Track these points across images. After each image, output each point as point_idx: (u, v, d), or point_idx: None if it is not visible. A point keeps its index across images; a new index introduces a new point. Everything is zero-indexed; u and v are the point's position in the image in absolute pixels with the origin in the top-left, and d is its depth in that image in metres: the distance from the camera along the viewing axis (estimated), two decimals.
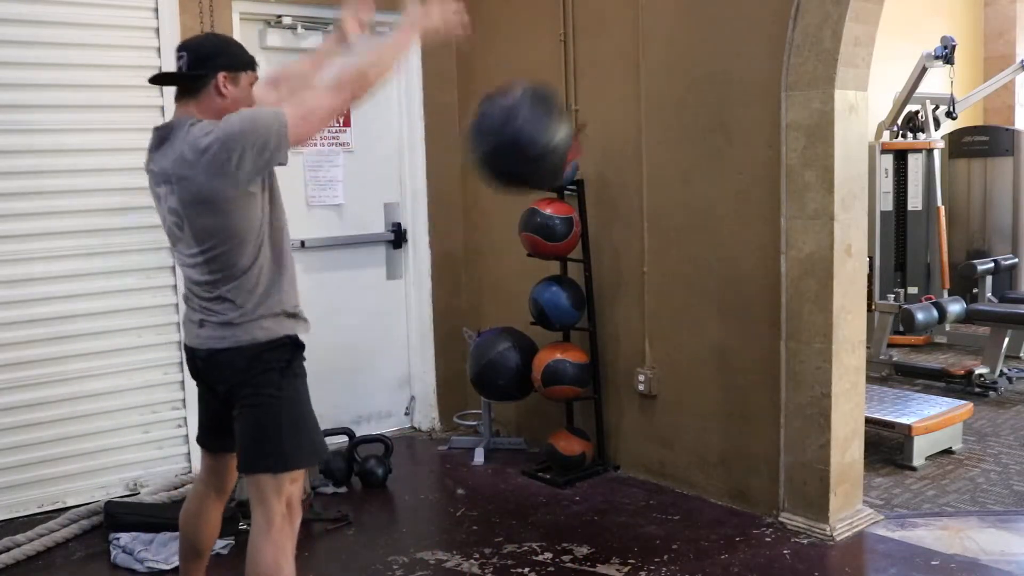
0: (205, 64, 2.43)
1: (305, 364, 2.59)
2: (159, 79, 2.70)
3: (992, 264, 6.79)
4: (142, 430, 4.20)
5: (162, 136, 2.46)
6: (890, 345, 6.32)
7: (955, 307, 5.95)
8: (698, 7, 3.86)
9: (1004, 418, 5.17)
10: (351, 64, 2.47)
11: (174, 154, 2.38)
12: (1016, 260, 7.19)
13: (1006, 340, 5.73)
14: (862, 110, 3.53)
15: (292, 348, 2.52)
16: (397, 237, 5.09)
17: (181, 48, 2.49)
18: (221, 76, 2.43)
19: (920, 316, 5.78)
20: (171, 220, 2.47)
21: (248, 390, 2.47)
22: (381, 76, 2.51)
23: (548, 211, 4.16)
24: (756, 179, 3.69)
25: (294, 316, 2.54)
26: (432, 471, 4.59)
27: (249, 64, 2.53)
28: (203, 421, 2.73)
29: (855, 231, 3.54)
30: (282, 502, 2.47)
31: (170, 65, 4.02)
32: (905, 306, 5.98)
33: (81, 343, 4.05)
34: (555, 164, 3.22)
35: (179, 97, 2.50)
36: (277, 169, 2.48)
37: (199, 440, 2.76)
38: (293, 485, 2.50)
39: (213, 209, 2.36)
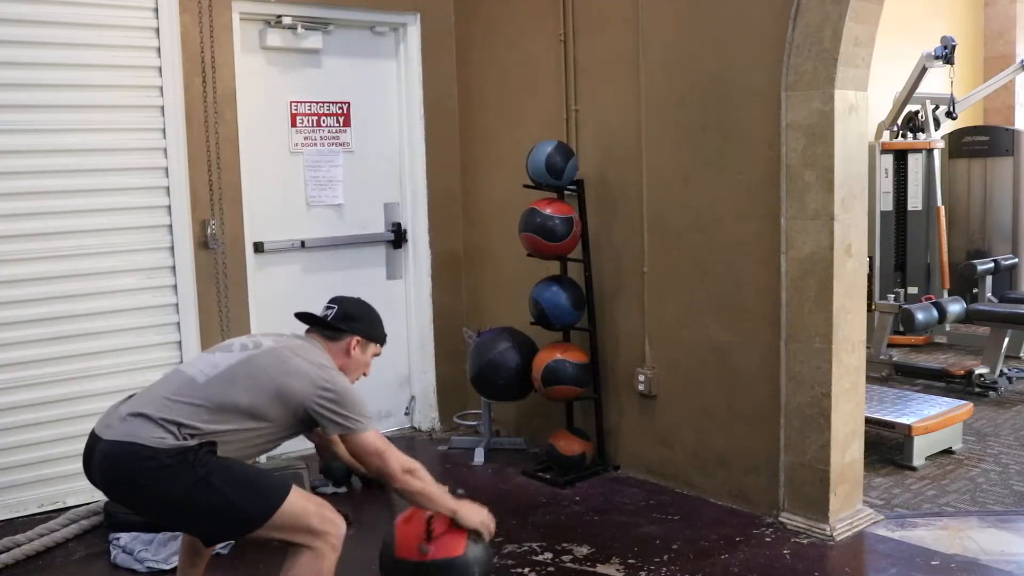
0: (348, 323, 2.76)
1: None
2: (304, 317, 2.82)
3: (992, 264, 6.79)
4: None
5: (290, 336, 2.73)
6: (890, 345, 6.32)
7: (955, 307, 5.95)
8: (698, 7, 3.86)
9: (1004, 418, 5.17)
10: (429, 491, 2.67)
11: (291, 342, 2.64)
12: (1016, 260, 7.19)
13: (1006, 340, 5.74)
14: (862, 110, 3.53)
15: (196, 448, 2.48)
16: (397, 237, 5.09)
17: (334, 301, 2.81)
18: (356, 339, 2.76)
19: (920, 316, 5.78)
20: (243, 341, 2.64)
21: (161, 489, 2.38)
22: (421, 506, 2.72)
23: (548, 211, 4.16)
24: (756, 179, 3.69)
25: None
26: (432, 471, 4.53)
27: (381, 340, 2.86)
28: None
29: (855, 231, 3.54)
30: (303, 526, 2.46)
31: (171, 65, 4.11)
32: (905, 306, 5.98)
33: (81, 343, 4.05)
34: None
35: (313, 331, 2.77)
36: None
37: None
38: (287, 516, 2.45)
39: (277, 402, 2.50)
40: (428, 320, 5.12)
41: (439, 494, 2.70)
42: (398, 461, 2.59)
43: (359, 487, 4.28)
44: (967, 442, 4.69)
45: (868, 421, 3.95)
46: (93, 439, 2.53)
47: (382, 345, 2.88)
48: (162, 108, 4.15)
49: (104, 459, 2.45)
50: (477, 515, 2.77)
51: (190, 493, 2.36)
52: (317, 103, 4.77)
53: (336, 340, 2.73)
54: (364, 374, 2.83)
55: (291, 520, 2.45)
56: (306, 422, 2.57)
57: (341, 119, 4.86)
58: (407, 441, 4.98)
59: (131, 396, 2.61)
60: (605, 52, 4.29)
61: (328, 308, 2.79)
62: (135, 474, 2.37)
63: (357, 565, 3.46)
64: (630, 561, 3.39)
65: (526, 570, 3.34)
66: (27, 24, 3.88)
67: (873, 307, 6.14)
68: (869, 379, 4.48)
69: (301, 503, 2.49)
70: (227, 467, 2.44)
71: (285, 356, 2.56)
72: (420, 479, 2.64)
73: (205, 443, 2.42)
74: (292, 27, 4.61)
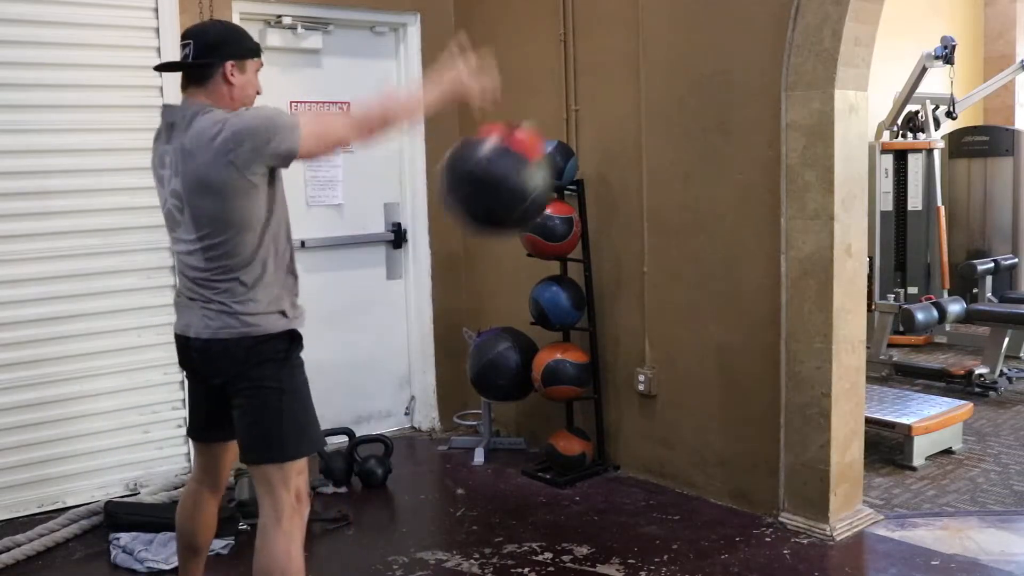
0: (212, 53, 2.45)
1: (303, 356, 2.58)
2: (165, 67, 2.71)
3: (992, 264, 6.79)
4: (142, 430, 4.19)
5: (170, 121, 2.48)
6: (890, 345, 6.32)
7: (955, 307, 5.95)
8: (698, 7, 3.86)
9: (1004, 418, 5.17)
10: (380, 105, 2.48)
11: (182, 139, 2.40)
12: (1016, 260, 7.19)
13: (1006, 340, 5.73)
14: (862, 110, 3.53)
15: (289, 340, 2.52)
16: (397, 237, 5.09)
17: (186, 36, 2.50)
18: (228, 64, 2.46)
19: (920, 316, 5.78)
20: (172, 203, 2.48)
21: (246, 383, 2.47)
22: (399, 126, 2.54)
23: (548, 211, 4.14)
24: (756, 179, 3.69)
25: (294, 311, 2.55)
26: (432, 471, 4.59)
27: (255, 51, 2.55)
28: (194, 413, 2.71)
29: (855, 231, 3.54)
30: (291, 493, 2.47)
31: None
32: (905, 306, 5.98)
33: (81, 343, 4.05)
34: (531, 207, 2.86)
35: (186, 85, 2.51)
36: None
37: (190, 433, 2.75)
38: (299, 476, 2.50)
39: (214, 194, 2.37)
40: (428, 320, 5.12)
41: (407, 99, 2.54)
42: (341, 127, 2.45)
43: (359, 487, 4.28)
44: (967, 442, 4.69)
45: (868, 421, 3.95)
46: (183, 339, 2.55)
47: (259, 57, 2.56)
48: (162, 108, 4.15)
49: (204, 354, 2.49)
50: (471, 79, 2.55)
51: (270, 392, 2.44)
52: (317, 103, 4.77)
53: (210, 78, 2.45)
54: (257, 92, 2.56)
55: (293, 476, 2.48)
56: (263, 179, 2.38)
57: None
58: (407, 441, 4.98)
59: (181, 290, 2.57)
60: (605, 52, 4.29)
61: (184, 47, 2.47)
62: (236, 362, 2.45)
63: (357, 565, 3.47)
64: (630, 561, 3.39)
65: (526, 570, 3.34)
66: (27, 24, 3.88)
67: (873, 307, 6.14)
68: (869, 379, 4.47)
69: (307, 471, 2.53)
70: (306, 393, 2.53)
71: (192, 175, 2.37)
72: (363, 115, 2.45)
73: (297, 336, 2.50)
74: (292, 27, 4.62)
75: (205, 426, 2.68)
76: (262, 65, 2.59)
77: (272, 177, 2.45)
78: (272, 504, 2.47)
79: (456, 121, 5.13)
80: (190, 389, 2.71)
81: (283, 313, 2.50)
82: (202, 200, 2.39)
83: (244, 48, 2.52)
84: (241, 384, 2.47)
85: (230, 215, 2.38)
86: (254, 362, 2.45)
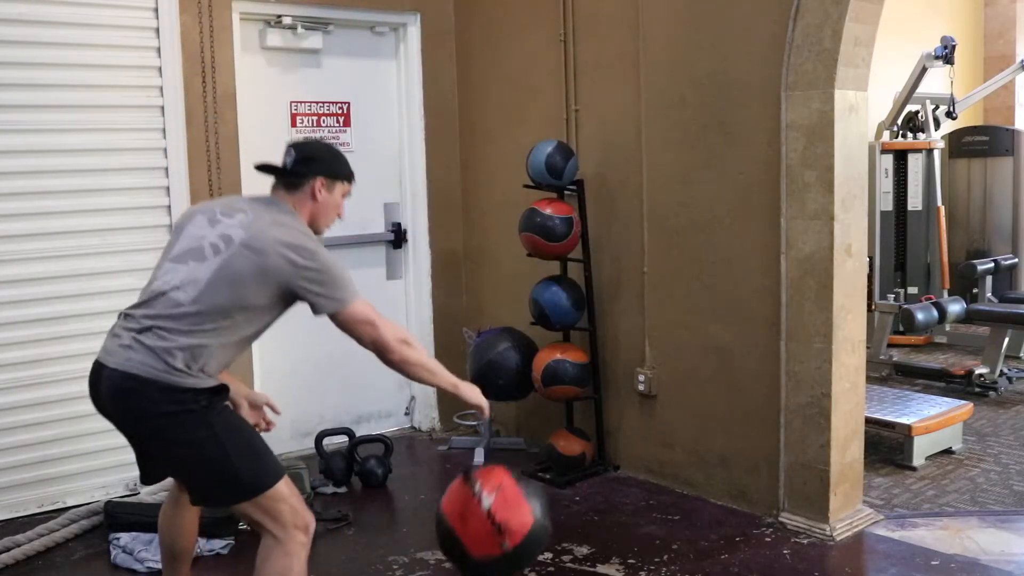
0: (308, 165, 2.58)
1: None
2: (263, 168, 2.69)
3: (992, 264, 6.79)
4: None
5: (251, 199, 2.61)
6: (890, 345, 6.32)
7: (955, 307, 5.95)
8: (698, 7, 3.86)
9: (1004, 418, 5.17)
10: (427, 361, 2.63)
11: (260, 222, 2.46)
12: (1016, 260, 7.19)
13: (1006, 340, 5.73)
14: (862, 110, 3.53)
15: (211, 393, 2.45)
16: (397, 237, 5.09)
17: (291, 146, 2.63)
18: (319, 181, 2.59)
19: (920, 316, 5.78)
20: (214, 243, 2.44)
21: (171, 433, 2.40)
22: (422, 380, 2.66)
23: (548, 211, 4.16)
24: (756, 179, 3.69)
25: (216, 374, 2.50)
26: (432, 471, 4.59)
27: (347, 177, 2.68)
28: (138, 460, 2.66)
29: (855, 231, 3.54)
30: (282, 516, 2.44)
31: (171, 65, 4.11)
32: (905, 306, 5.98)
33: (81, 343, 4.02)
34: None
35: (277, 186, 2.63)
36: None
37: (142, 480, 2.71)
38: (282, 503, 2.45)
39: (248, 283, 2.41)
40: (428, 320, 5.12)
41: (438, 366, 2.64)
42: (392, 330, 2.53)
43: (359, 487, 4.28)
44: (967, 442, 4.69)
45: (868, 421, 3.95)
46: (98, 365, 2.48)
47: (350, 183, 2.70)
48: (162, 108, 4.15)
49: (114, 390, 2.43)
50: (476, 392, 2.74)
51: (199, 443, 2.39)
52: (317, 103, 4.78)
53: (299, 187, 2.58)
54: (338, 216, 2.69)
55: (274, 504, 2.44)
56: (290, 300, 2.48)
57: (341, 119, 4.86)
58: (407, 441, 4.98)
59: (123, 314, 2.52)
60: (605, 52, 4.29)
61: (287, 155, 2.62)
62: (147, 411, 2.39)
63: (357, 565, 3.47)
64: (630, 561, 3.39)
65: (526, 570, 3.34)
66: (27, 24, 3.88)
67: (873, 307, 6.14)
68: (869, 379, 4.48)
69: (286, 492, 2.48)
70: (239, 428, 2.50)
71: (258, 241, 2.41)
72: (416, 348, 2.58)
73: (220, 387, 2.45)
74: (292, 27, 4.61)
75: (149, 471, 2.65)
76: (350, 191, 2.71)
77: (285, 310, 2.54)
78: (269, 531, 2.46)
79: (456, 120, 5.14)
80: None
81: (208, 378, 2.45)
82: (241, 274, 2.41)
83: (338, 171, 2.65)
84: (165, 435, 2.42)
85: (240, 303, 2.42)
86: (172, 410, 2.38)
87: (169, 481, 4.14)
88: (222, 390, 2.48)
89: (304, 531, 2.48)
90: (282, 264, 2.40)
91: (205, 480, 2.47)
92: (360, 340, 2.53)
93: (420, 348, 2.63)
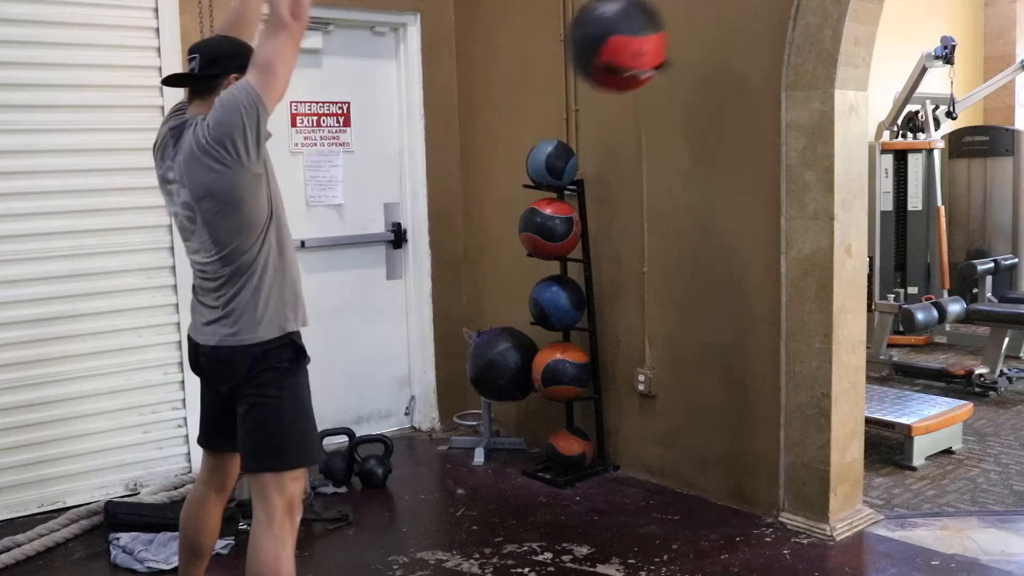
0: (216, 66, 2.48)
1: (308, 365, 2.61)
2: (172, 80, 2.71)
3: (992, 264, 6.79)
4: (142, 430, 4.20)
5: (176, 135, 2.52)
6: (890, 345, 6.32)
7: (955, 307, 5.95)
8: (698, 7, 3.86)
9: (1004, 418, 5.17)
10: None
11: (184, 151, 2.44)
12: (1016, 260, 7.18)
13: (1006, 340, 5.73)
14: (862, 110, 3.53)
15: (294, 350, 2.55)
16: (397, 237, 5.09)
17: (193, 50, 2.53)
18: (232, 78, 2.46)
19: (920, 316, 5.78)
20: (184, 215, 2.51)
21: (249, 390, 2.50)
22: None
23: (548, 211, 4.16)
24: (756, 179, 3.69)
25: (296, 312, 2.56)
26: (432, 471, 4.59)
27: None
28: (204, 421, 2.74)
29: (855, 231, 3.54)
30: (284, 499, 2.50)
31: (171, 65, 4.10)
32: (905, 306, 5.97)
33: (81, 343, 4.05)
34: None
35: (191, 98, 2.56)
36: (278, 170, 2.56)
37: (200, 441, 2.77)
38: (295, 483, 2.53)
39: (223, 200, 2.40)
40: (428, 320, 5.12)
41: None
42: (270, 47, 2.33)
43: (359, 487, 4.28)
44: (967, 442, 4.69)
45: (868, 421, 3.95)
46: (194, 344, 2.60)
47: None
48: (162, 108, 4.14)
49: (214, 357, 2.54)
50: None
51: (271, 401, 2.48)
52: (317, 103, 4.78)
53: (214, 91, 2.43)
54: None
55: (291, 484, 2.50)
56: (253, 159, 2.37)
57: (341, 119, 4.86)
58: (407, 441, 4.98)
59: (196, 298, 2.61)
60: None
61: (191, 60, 2.49)
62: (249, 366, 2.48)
63: (357, 565, 3.47)
64: (630, 561, 3.39)
65: (526, 570, 3.34)
66: (27, 24, 3.88)
67: (873, 307, 6.13)
68: (869, 379, 4.48)
69: (303, 482, 2.57)
70: (308, 404, 2.57)
71: (196, 187, 2.39)
72: (281, 11, 2.33)
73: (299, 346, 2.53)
74: None
75: (212, 434, 2.71)
76: None
77: (267, 170, 2.47)
78: (264, 510, 2.49)
79: (456, 120, 5.14)
80: (202, 395, 2.74)
81: (286, 318, 2.53)
82: (212, 208, 2.41)
83: (248, 61, 2.46)
84: (245, 391, 2.51)
85: (239, 217, 2.41)
86: (258, 370, 2.48)
87: (173, 479, 4.18)
88: (303, 350, 2.56)
89: (294, 522, 2.53)
90: (208, 162, 2.34)
91: (259, 437, 2.50)
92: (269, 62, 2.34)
93: (279, 8, 2.34)
